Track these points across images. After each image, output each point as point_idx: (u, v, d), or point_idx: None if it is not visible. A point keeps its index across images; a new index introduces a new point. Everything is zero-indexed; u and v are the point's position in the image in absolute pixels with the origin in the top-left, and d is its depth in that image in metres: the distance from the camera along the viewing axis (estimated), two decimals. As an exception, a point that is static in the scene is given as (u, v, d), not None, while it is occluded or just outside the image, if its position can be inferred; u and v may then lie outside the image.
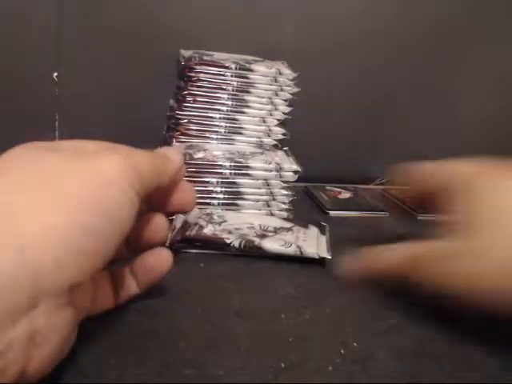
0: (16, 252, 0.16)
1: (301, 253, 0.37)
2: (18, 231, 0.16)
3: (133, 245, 0.26)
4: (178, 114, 0.49)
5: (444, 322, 0.28)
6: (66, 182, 0.18)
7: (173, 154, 0.26)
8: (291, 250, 0.37)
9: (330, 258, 0.36)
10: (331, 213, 0.51)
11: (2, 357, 0.15)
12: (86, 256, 0.18)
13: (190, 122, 0.49)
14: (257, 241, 0.37)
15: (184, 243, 0.37)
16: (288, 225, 0.42)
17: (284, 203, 0.47)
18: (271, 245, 0.37)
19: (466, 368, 0.25)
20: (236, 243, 0.37)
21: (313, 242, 0.39)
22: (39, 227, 0.17)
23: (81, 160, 0.20)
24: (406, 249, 0.29)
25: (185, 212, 0.35)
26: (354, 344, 0.26)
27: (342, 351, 0.25)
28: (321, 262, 0.37)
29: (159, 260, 0.26)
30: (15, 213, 0.17)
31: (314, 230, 0.42)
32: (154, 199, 0.26)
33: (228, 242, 0.37)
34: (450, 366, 0.25)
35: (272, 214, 0.46)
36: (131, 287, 0.26)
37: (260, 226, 0.41)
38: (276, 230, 0.40)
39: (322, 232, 0.42)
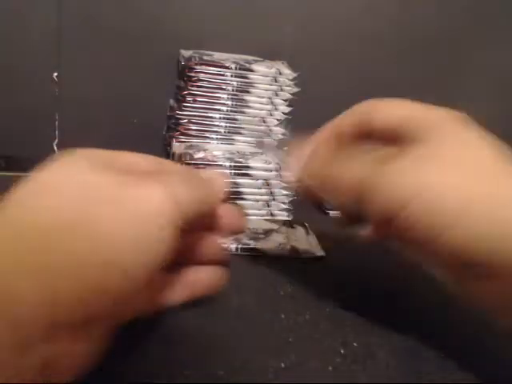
0: (37, 280, 0.15)
1: (295, 253, 0.37)
2: (42, 261, 0.16)
3: (181, 262, 0.25)
4: (178, 113, 0.49)
5: (444, 323, 0.28)
6: (103, 217, 0.17)
7: (217, 181, 0.24)
8: (286, 251, 0.37)
9: (324, 255, 0.37)
10: (331, 213, 0.51)
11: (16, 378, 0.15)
12: (107, 293, 0.17)
13: (190, 121, 0.49)
14: (252, 243, 0.37)
15: None
16: (274, 226, 0.43)
17: (284, 203, 0.47)
18: (267, 246, 0.37)
19: (466, 368, 0.25)
20: (232, 247, 0.37)
21: (304, 242, 0.39)
22: (64, 259, 0.16)
23: (123, 190, 0.18)
24: (357, 171, 0.25)
25: (235, 234, 0.32)
26: (354, 344, 0.26)
27: (342, 351, 0.25)
28: (316, 260, 0.37)
29: (210, 275, 0.25)
30: (41, 238, 0.16)
31: (300, 230, 0.42)
32: (199, 223, 0.24)
33: (224, 246, 0.37)
34: (450, 366, 0.25)
35: (272, 214, 0.46)
36: (171, 296, 0.25)
37: (249, 229, 0.41)
38: (266, 232, 0.41)
39: (307, 232, 0.42)
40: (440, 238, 0.21)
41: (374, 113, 0.26)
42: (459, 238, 0.21)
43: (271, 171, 0.46)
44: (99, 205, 0.17)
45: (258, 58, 0.53)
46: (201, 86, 0.49)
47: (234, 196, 0.46)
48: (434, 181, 0.21)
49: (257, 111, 0.51)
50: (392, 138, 0.25)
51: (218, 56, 0.51)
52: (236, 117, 0.50)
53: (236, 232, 0.28)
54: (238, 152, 0.48)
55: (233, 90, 0.49)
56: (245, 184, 0.46)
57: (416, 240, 0.22)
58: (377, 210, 0.23)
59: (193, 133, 0.49)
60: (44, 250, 0.16)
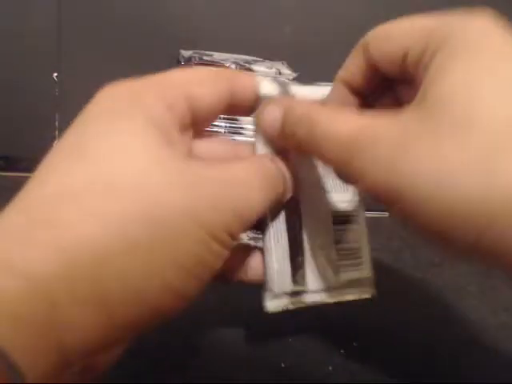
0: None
1: None
2: (97, 288, 0.14)
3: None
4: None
5: (444, 323, 0.28)
6: (163, 235, 0.15)
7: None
8: None
9: None
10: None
11: None
12: (161, 315, 0.16)
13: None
14: (252, 243, 0.37)
15: None
16: None
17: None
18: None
19: (467, 368, 0.25)
20: None
21: None
22: (121, 286, 0.14)
23: (190, 205, 0.16)
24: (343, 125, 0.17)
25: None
26: (354, 344, 0.26)
27: (342, 351, 0.25)
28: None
29: None
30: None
31: None
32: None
33: None
34: (450, 366, 0.25)
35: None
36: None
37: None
38: None
39: None
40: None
41: (372, 42, 0.21)
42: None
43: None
44: (163, 220, 0.15)
45: (258, 58, 0.53)
46: (201, 86, 0.49)
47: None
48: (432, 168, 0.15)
49: (257, 111, 0.51)
50: (405, 76, 0.19)
51: (217, 56, 0.51)
52: (236, 117, 0.50)
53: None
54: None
55: (233, 90, 0.50)
56: None
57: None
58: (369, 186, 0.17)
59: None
60: (98, 278, 0.14)
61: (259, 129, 0.21)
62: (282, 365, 0.24)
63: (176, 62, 0.53)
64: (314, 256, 0.22)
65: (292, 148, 0.21)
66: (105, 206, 0.14)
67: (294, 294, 0.22)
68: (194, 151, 0.21)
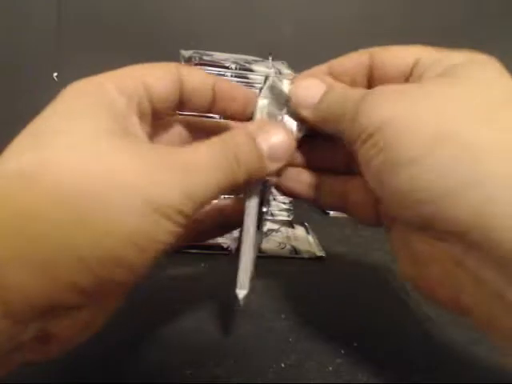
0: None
1: (296, 253, 0.37)
2: (40, 250, 0.15)
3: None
4: (178, 113, 0.49)
5: (445, 323, 0.28)
6: (107, 203, 0.16)
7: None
8: (286, 251, 0.37)
9: (324, 255, 0.37)
10: (331, 213, 0.51)
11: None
12: (105, 284, 0.16)
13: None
14: None
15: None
16: (275, 226, 0.43)
17: (284, 203, 0.47)
18: (268, 246, 0.37)
19: (467, 368, 0.25)
20: (233, 246, 0.37)
21: (304, 242, 0.39)
22: (64, 250, 0.15)
23: (137, 181, 0.16)
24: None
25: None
26: (354, 344, 0.26)
27: (342, 351, 0.25)
28: (316, 260, 0.37)
29: None
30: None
31: (300, 229, 0.42)
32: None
33: (225, 246, 0.37)
34: (452, 366, 0.25)
35: (272, 214, 0.46)
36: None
37: None
38: (266, 232, 0.41)
39: (307, 232, 0.42)
40: (392, 178, 0.17)
41: (377, 57, 0.23)
42: (409, 182, 0.17)
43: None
44: (103, 186, 0.16)
45: (258, 58, 0.53)
46: (201, 86, 0.49)
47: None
48: (406, 110, 0.17)
49: (257, 111, 0.51)
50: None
51: (217, 56, 0.51)
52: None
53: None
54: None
55: (233, 90, 0.49)
56: None
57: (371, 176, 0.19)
58: (348, 133, 0.20)
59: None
60: (41, 243, 0.15)
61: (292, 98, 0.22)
62: (282, 365, 0.24)
63: (176, 62, 0.53)
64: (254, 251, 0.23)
65: (321, 122, 0.22)
66: (50, 183, 0.15)
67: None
68: (156, 138, 0.22)
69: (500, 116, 0.16)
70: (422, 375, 0.24)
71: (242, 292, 0.22)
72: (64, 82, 0.19)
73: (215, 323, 0.27)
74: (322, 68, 0.24)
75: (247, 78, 0.50)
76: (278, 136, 0.20)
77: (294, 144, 0.21)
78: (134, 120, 0.19)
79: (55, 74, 0.55)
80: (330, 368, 0.24)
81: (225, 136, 0.19)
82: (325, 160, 0.25)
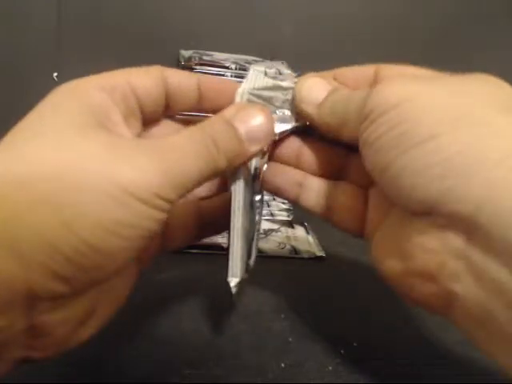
0: (13, 257, 0.15)
1: (295, 253, 0.37)
2: (15, 235, 0.15)
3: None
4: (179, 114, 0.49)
5: (444, 322, 0.28)
6: (82, 189, 0.15)
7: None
8: (286, 251, 0.37)
9: (324, 255, 0.37)
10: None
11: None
12: (83, 271, 0.16)
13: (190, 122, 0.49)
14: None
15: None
16: (274, 226, 0.43)
17: (284, 203, 0.47)
18: (268, 246, 0.37)
19: (467, 368, 0.25)
20: None
21: (304, 242, 0.39)
22: (33, 234, 0.15)
23: (108, 166, 0.16)
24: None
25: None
26: (354, 344, 0.26)
27: (342, 351, 0.25)
28: (316, 260, 0.37)
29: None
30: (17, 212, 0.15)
31: (300, 230, 0.42)
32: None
33: (225, 246, 0.37)
34: (451, 366, 0.25)
35: (272, 214, 0.46)
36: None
37: None
38: (266, 232, 0.41)
39: (307, 232, 0.42)
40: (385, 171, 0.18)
41: (383, 71, 0.23)
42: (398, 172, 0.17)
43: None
44: (78, 176, 0.16)
45: (258, 58, 0.53)
46: (201, 86, 0.49)
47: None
48: (424, 91, 0.18)
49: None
50: None
51: (217, 56, 0.51)
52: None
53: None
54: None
55: (233, 90, 0.49)
56: None
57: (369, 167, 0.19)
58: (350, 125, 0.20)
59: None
60: (9, 228, 0.15)
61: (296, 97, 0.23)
62: (282, 365, 0.24)
63: (176, 62, 0.53)
64: (254, 237, 0.23)
65: (322, 122, 0.22)
66: (17, 170, 0.15)
67: (246, 272, 0.23)
68: (145, 136, 0.22)
69: (497, 121, 0.16)
70: (422, 375, 0.24)
71: (233, 280, 0.22)
72: (64, 82, 0.19)
73: (215, 323, 0.27)
74: (329, 73, 0.25)
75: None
76: (256, 118, 0.21)
77: (273, 125, 0.21)
78: (116, 116, 0.19)
79: (55, 74, 0.55)
80: (330, 368, 0.24)
81: (203, 124, 0.19)
82: (316, 162, 0.25)
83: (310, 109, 0.22)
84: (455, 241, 0.16)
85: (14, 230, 0.15)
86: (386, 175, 0.18)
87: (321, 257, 0.37)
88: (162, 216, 0.17)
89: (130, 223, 0.16)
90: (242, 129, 0.20)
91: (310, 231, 0.43)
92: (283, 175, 0.24)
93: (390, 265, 0.20)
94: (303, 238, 0.40)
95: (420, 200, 0.17)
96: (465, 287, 0.16)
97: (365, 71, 0.23)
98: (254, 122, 0.20)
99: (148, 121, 0.22)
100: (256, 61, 0.51)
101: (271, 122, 0.21)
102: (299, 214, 0.47)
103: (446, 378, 0.24)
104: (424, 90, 0.18)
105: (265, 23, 0.61)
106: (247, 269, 0.23)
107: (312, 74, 0.25)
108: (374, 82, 0.23)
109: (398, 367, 0.24)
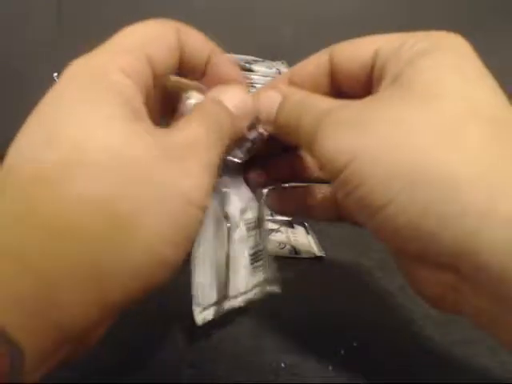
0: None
1: (296, 253, 0.37)
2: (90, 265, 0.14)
3: None
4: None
5: (443, 322, 0.28)
6: (144, 205, 0.15)
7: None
8: (286, 251, 0.37)
9: (324, 255, 0.37)
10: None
11: None
12: (152, 287, 0.16)
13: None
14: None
15: None
16: (274, 226, 0.43)
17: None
18: (268, 246, 0.37)
19: (466, 368, 0.25)
20: None
21: (304, 242, 0.39)
22: (114, 261, 0.15)
23: (169, 174, 0.16)
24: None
25: None
26: (354, 344, 0.26)
27: (342, 351, 0.25)
28: (316, 260, 0.37)
29: None
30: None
31: (300, 230, 0.42)
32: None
33: None
34: (451, 366, 0.25)
35: (272, 214, 0.46)
36: None
37: None
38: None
39: (307, 232, 0.42)
40: (372, 218, 0.17)
41: (336, 54, 0.22)
42: (392, 220, 0.16)
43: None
44: (141, 191, 0.15)
45: (258, 58, 0.53)
46: (201, 86, 0.49)
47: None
48: (373, 141, 0.16)
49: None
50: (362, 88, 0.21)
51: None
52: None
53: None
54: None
55: (233, 90, 0.49)
56: None
57: (354, 210, 0.18)
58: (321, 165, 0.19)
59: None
60: (91, 257, 0.14)
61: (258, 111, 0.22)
62: (282, 365, 0.24)
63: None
64: (234, 263, 0.23)
65: (283, 134, 0.22)
66: (84, 189, 0.14)
67: (217, 303, 0.23)
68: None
69: (467, 135, 0.15)
70: (422, 375, 0.24)
71: (196, 309, 0.22)
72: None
73: (215, 323, 0.27)
74: (284, 76, 0.24)
75: (247, 78, 0.50)
76: (238, 95, 0.21)
77: (250, 98, 0.22)
78: (139, 104, 0.18)
79: (55, 74, 0.55)
80: (330, 368, 0.24)
81: (202, 110, 0.19)
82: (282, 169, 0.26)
83: (267, 128, 0.22)
84: (450, 279, 0.16)
85: (96, 259, 0.14)
86: (367, 227, 0.18)
87: (321, 257, 0.37)
88: (203, 216, 0.17)
89: (190, 231, 0.16)
90: (232, 107, 0.21)
91: (310, 231, 0.43)
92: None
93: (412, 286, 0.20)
94: (303, 238, 0.40)
95: (402, 254, 0.18)
96: (469, 310, 0.17)
97: (319, 59, 0.23)
98: (237, 99, 0.21)
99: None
100: (256, 61, 0.51)
101: (249, 95, 0.22)
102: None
103: (446, 377, 0.24)
104: (370, 142, 0.16)
105: (265, 23, 0.61)
106: (225, 297, 0.23)
107: (268, 83, 0.26)
108: (331, 70, 0.22)
109: (398, 367, 0.24)
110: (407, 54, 0.18)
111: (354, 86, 0.21)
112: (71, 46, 0.56)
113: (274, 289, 0.25)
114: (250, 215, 0.24)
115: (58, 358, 0.15)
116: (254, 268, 0.24)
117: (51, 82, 0.18)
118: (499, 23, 0.67)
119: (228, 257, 0.23)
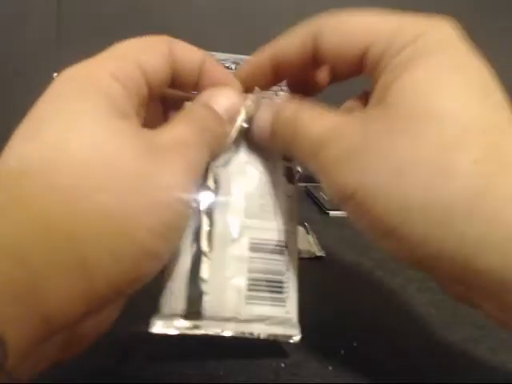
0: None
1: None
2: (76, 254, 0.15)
3: None
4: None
5: (443, 322, 0.28)
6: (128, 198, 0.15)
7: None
8: None
9: (324, 255, 0.37)
10: (331, 213, 0.51)
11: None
12: (140, 280, 0.17)
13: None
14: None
15: None
16: None
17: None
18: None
19: (467, 368, 0.25)
20: None
21: (304, 242, 0.39)
22: (100, 251, 0.15)
23: (153, 169, 0.16)
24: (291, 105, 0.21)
25: None
26: (354, 344, 0.26)
27: (342, 351, 0.25)
28: (316, 260, 0.37)
29: None
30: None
31: (300, 230, 0.42)
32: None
33: None
34: (451, 366, 0.25)
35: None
36: None
37: None
38: None
39: (307, 232, 0.42)
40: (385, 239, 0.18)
41: (324, 41, 0.21)
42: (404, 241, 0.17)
43: None
44: (125, 188, 0.15)
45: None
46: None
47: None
48: (369, 177, 0.17)
49: (257, 111, 0.50)
50: (352, 71, 0.21)
51: (218, 56, 0.51)
52: None
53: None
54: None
55: (233, 90, 0.49)
56: None
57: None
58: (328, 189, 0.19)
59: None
60: (73, 245, 0.14)
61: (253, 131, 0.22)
62: (282, 365, 0.24)
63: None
64: (217, 281, 0.20)
65: (279, 149, 0.22)
66: (67, 181, 0.15)
67: (189, 317, 0.20)
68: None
69: (457, 166, 0.15)
70: (422, 375, 0.24)
71: (156, 321, 0.20)
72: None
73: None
74: (264, 57, 0.25)
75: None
76: (228, 99, 0.21)
77: (241, 101, 0.22)
78: (127, 102, 0.18)
79: (55, 74, 0.55)
80: (330, 368, 0.24)
81: (191, 115, 0.20)
82: None
83: (265, 143, 0.22)
84: (458, 288, 0.18)
85: (78, 246, 0.14)
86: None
87: (321, 257, 0.37)
88: (191, 211, 0.18)
89: (174, 225, 0.17)
90: (222, 111, 0.21)
91: (310, 231, 0.43)
92: None
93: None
94: (303, 238, 0.40)
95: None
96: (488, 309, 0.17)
97: (303, 45, 0.22)
98: (229, 103, 0.21)
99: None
100: (256, 61, 0.51)
101: (240, 98, 0.22)
102: (299, 214, 0.47)
103: (447, 377, 0.24)
104: (362, 180, 0.17)
105: (265, 23, 0.61)
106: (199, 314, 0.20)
107: (249, 61, 0.26)
108: (317, 51, 0.21)
109: (398, 367, 0.24)
110: (396, 60, 0.18)
111: (342, 68, 0.22)
112: (71, 46, 0.56)
113: (287, 336, 0.22)
114: (269, 235, 0.23)
115: (46, 354, 0.15)
116: (253, 294, 0.21)
117: (51, 82, 0.18)
118: (499, 21, 0.67)
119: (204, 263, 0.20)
